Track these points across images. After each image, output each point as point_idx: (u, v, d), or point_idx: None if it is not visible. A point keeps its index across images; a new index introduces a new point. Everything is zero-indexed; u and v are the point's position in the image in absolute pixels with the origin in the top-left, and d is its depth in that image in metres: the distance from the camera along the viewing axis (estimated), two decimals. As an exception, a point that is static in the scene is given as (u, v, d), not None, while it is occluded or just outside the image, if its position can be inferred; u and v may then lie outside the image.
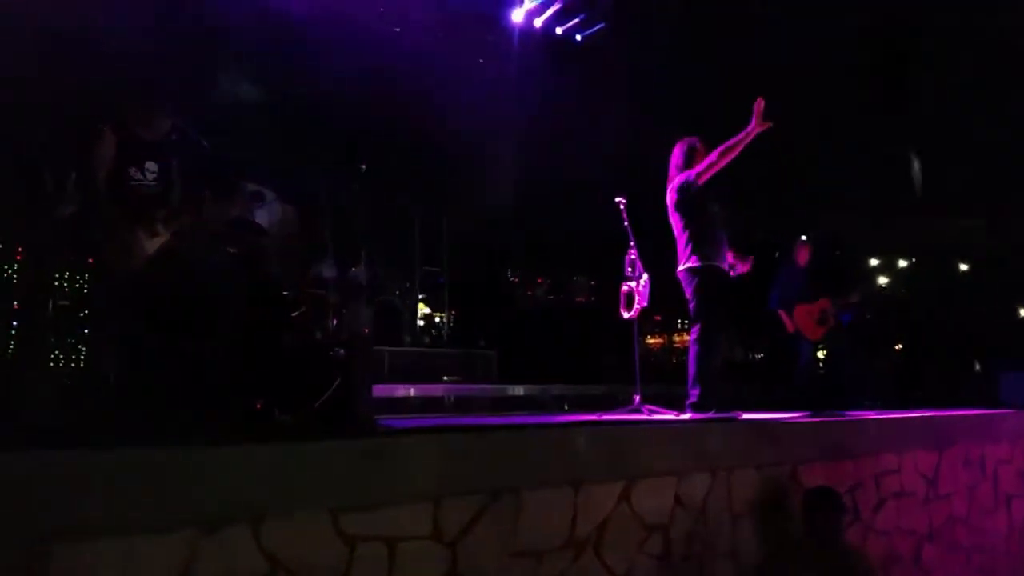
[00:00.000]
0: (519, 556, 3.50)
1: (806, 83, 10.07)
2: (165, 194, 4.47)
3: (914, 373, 10.58)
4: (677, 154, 5.87)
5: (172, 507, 2.61)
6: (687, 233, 5.68)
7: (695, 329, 5.63)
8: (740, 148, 5.47)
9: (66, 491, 2.44)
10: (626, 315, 6.12)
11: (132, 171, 4.36)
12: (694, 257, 5.61)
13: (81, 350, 4.95)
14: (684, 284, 5.74)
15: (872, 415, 6.09)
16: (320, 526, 2.92)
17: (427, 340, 9.21)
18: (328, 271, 6.69)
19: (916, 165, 11.56)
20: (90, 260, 4.66)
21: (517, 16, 10.14)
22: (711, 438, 4.53)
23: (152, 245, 4.32)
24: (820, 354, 9.16)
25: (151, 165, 4.42)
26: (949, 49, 10.33)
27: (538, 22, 10.32)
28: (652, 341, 14.23)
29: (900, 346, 11.73)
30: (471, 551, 3.32)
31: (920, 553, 5.57)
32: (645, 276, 6.09)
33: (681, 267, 5.72)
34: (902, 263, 14.61)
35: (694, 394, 5.48)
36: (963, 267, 14.52)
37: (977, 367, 11.33)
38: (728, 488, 4.44)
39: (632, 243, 6.13)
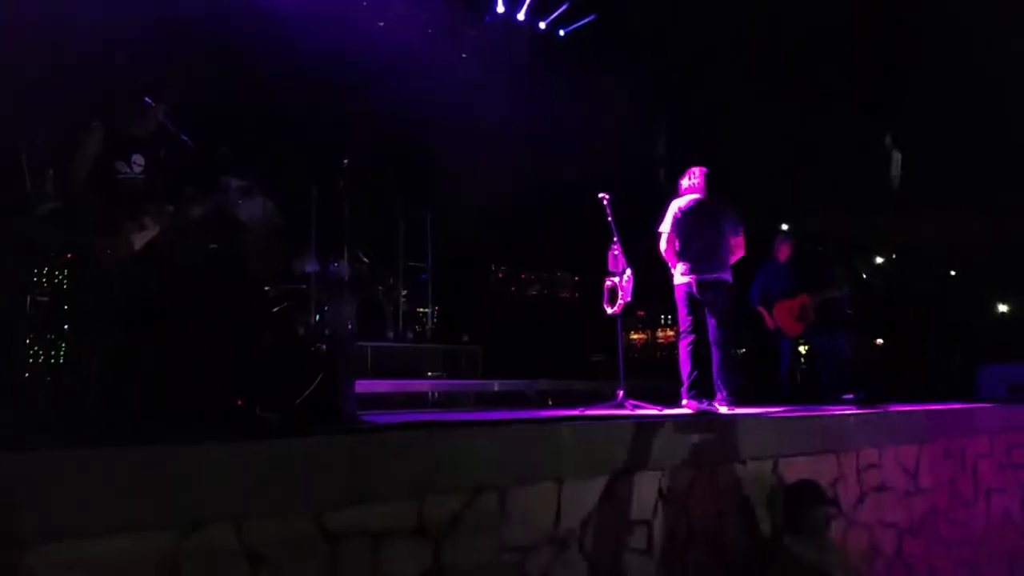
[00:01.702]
0: (503, 551, 3.50)
1: (797, 79, 10.12)
2: (152, 188, 4.43)
3: (896, 367, 10.65)
4: (702, 176, 6.29)
5: (154, 506, 2.59)
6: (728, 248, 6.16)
7: (724, 332, 6.06)
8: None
9: (44, 491, 2.41)
10: (609, 310, 6.14)
11: (119, 164, 4.33)
12: (729, 271, 6.15)
13: (61, 347, 4.89)
14: (715, 289, 6.06)
15: (853, 410, 6.13)
16: (303, 523, 2.91)
17: (411, 336, 9.16)
18: (310, 266, 6.65)
19: (895, 157, 11.64)
20: (69, 256, 4.62)
21: (500, 8, 10.15)
22: (694, 433, 4.55)
23: (140, 239, 4.29)
24: (802, 349, 9.21)
25: (138, 158, 4.39)
26: (940, 45, 10.41)
27: (521, 15, 10.32)
28: (636, 336, 14.25)
29: (881, 340, 11.80)
30: (455, 547, 3.32)
31: (902, 546, 5.62)
32: (628, 271, 6.12)
33: (725, 277, 6.11)
34: (884, 259, 14.72)
35: (732, 388, 5.92)
36: (947, 262, 14.63)
37: (957, 361, 11.42)
38: (711, 483, 4.46)
39: (615, 238, 6.15)
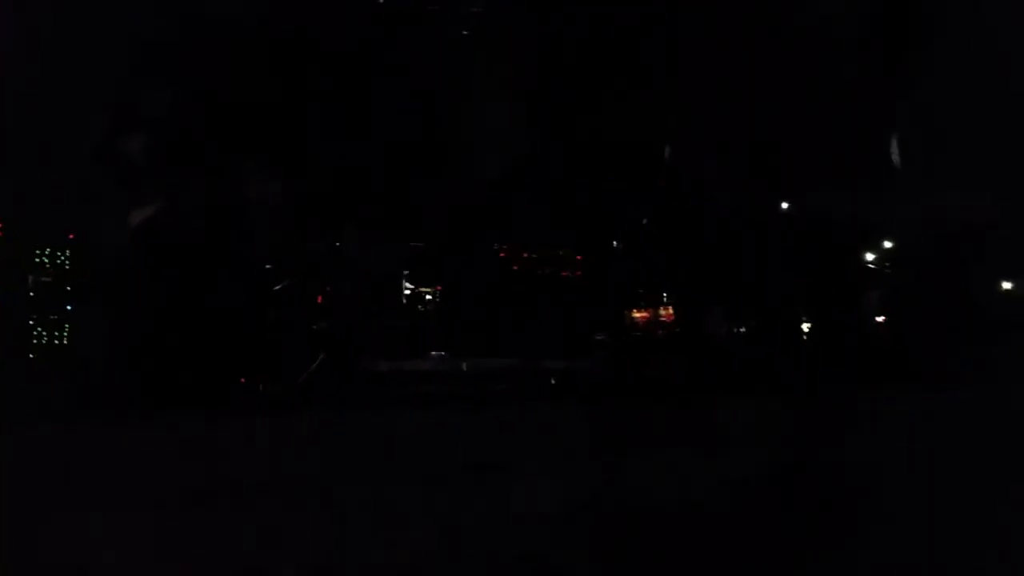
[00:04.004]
0: (510, 525, 3.51)
1: (804, 53, 10.03)
2: (156, 167, 4.43)
3: (904, 351, 10.61)
4: None
5: (159, 481, 2.59)
6: None
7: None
8: None
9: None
10: (612, 289, 6.14)
11: (123, 144, 4.33)
12: None
13: (64, 327, 4.90)
14: None
15: (862, 395, 6.12)
16: (312, 496, 2.92)
17: (414, 314, 9.18)
18: (316, 245, 6.65)
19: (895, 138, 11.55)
20: (71, 236, 4.62)
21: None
22: (698, 412, 4.55)
23: (138, 216, 4.29)
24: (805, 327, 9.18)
25: (142, 138, 4.39)
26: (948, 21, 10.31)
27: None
28: (639, 315, 14.27)
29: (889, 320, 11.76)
30: (461, 521, 3.32)
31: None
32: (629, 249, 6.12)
33: None
34: (893, 240, 14.66)
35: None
36: (959, 243, 14.53)
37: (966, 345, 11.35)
38: (711, 461, 4.46)
39: (619, 217, 6.13)
